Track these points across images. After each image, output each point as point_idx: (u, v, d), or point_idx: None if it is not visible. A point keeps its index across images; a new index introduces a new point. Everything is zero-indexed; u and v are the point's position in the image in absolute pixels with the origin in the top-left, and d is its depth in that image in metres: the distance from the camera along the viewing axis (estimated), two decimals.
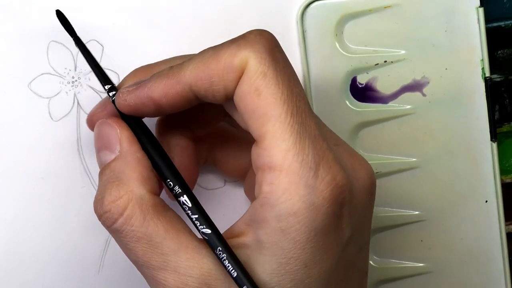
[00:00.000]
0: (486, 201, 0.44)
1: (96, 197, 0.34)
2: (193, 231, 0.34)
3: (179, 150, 0.37)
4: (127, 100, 0.35)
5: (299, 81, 0.33)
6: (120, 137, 0.34)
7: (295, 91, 0.32)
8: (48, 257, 0.41)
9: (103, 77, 0.36)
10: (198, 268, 0.32)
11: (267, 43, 0.32)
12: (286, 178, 0.31)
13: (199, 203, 0.33)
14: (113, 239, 0.41)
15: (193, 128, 0.38)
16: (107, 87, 0.36)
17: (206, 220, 0.33)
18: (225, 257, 0.32)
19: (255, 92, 0.32)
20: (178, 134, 0.38)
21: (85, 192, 0.41)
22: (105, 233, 0.41)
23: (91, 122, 0.37)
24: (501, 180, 0.45)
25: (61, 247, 0.41)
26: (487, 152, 0.43)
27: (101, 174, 0.35)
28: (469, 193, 0.44)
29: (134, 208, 0.33)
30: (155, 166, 0.34)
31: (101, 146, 0.35)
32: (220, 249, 0.32)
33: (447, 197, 0.44)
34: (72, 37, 0.37)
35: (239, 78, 0.32)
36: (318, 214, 0.31)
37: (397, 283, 0.45)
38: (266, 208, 0.32)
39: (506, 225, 0.44)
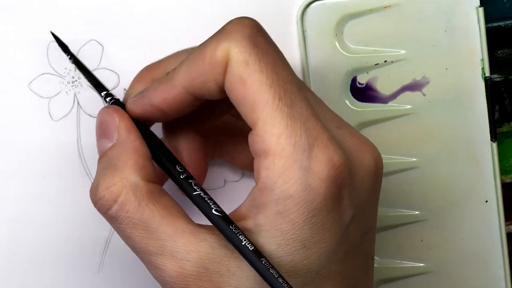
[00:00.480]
0: (486, 201, 0.44)
1: (92, 185, 0.34)
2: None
3: (186, 144, 0.38)
4: (135, 110, 0.35)
5: (286, 62, 0.33)
6: (119, 125, 0.35)
7: (280, 73, 0.32)
8: (48, 257, 0.41)
9: (99, 86, 0.38)
10: (195, 252, 0.32)
11: (246, 30, 0.32)
12: (280, 162, 0.31)
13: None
14: (113, 239, 0.41)
15: (199, 123, 0.39)
16: (103, 93, 0.37)
17: (216, 203, 0.33)
18: (241, 232, 0.32)
19: (240, 82, 0.32)
20: (185, 128, 0.38)
21: (85, 192, 0.41)
22: (105, 233, 0.42)
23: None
24: (501, 180, 0.45)
25: (61, 247, 0.41)
26: (487, 152, 0.43)
27: (98, 162, 0.35)
28: (469, 193, 0.44)
29: (128, 194, 0.33)
30: (161, 155, 0.35)
31: (100, 134, 0.36)
32: (236, 225, 0.32)
33: (447, 197, 0.44)
34: (65, 53, 0.39)
35: (226, 70, 0.32)
36: (315, 196, 0.31)
37: (398, 283, 0.45)
38: (264, 192, 0.32)
39: (506, 225, 0.44)
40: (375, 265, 0.44)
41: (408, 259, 0.45)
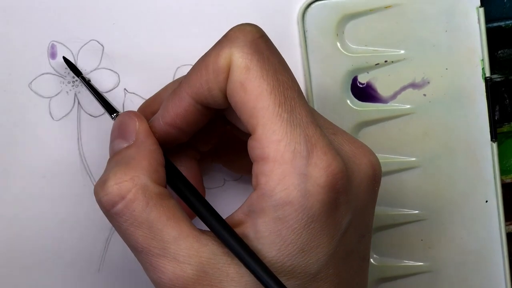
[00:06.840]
0: (486, 201, 0.44)
1: (99, 180, 0.34)
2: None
3: (184, 171, 0.38)
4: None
5: (287, 68, 0.33)
6: (138, 129, 0.35)
7: (281, 79, 0.32)
8: (48, 255, 0.41)
9: (111, 109, 0.38)
10: (197, 256, 0.32)
11: (248, 36, 0.33)
12: (279, 168, 0.31)
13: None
14: (113, 238, 0.41)
15: (198, 146, 0.39)
16: (114, 115, 0.37)
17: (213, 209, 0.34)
18: (240, 239, 0.32)
19: (241, 88, 0.32)
20: (183, 155, 0.38)
21: (85, 191, 0.41)
22: (106, 232, 0.42)
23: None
24: (501, 180, 0.45)
25: (62, 245, 0.41)
26: (487, 152, 0.43)
27: (109, 160, 0.35)
28: (469, 193, 0.44)
29: (138, 193, 0.33)
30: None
31: (117, 134, 0.36)
32: (234, 232, 0.33)
33: (447, 196, 0.44)
34: (77, 76, 0.40)
35: (228, 77, 0.32)
36: (314, 202, 0.31)
37: (397, 282, 0.45)
38: (263, 198, 0.32)
39: (506, 225, 0.44)
40: (375, 263, 0.45)
41: (408, 258, 0.45)
